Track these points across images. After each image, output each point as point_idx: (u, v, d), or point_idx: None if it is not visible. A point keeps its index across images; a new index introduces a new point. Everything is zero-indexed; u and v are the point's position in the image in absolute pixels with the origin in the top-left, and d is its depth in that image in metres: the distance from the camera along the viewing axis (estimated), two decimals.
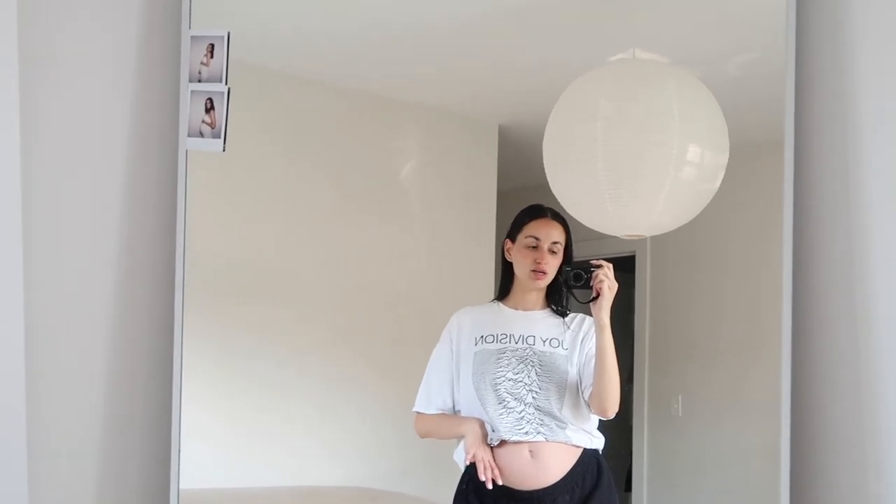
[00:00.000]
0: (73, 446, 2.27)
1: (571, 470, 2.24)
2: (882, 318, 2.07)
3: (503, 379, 2.26)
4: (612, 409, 2.25)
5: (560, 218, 2.32)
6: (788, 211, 2.13)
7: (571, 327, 2.31)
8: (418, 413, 2.35)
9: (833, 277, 2.13)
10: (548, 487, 2.22)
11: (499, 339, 2.29)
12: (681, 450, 2.65)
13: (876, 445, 2.07)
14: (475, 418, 2.27)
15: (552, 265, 2.30)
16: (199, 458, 2.34)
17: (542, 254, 2.30)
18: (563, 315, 2.32)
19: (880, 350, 2.07)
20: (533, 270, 2.30)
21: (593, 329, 2.26)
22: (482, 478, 2.22)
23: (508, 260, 2.36)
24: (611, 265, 2.23)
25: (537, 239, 2.31)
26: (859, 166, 2.10)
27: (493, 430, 2.25)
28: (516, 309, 2.33)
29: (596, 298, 2.22)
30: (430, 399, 2.34)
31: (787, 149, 2.13)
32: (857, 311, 2.10)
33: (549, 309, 2.33)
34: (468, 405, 2.29)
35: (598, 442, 2.29)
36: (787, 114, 2.13)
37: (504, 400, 2.25)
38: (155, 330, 2.32)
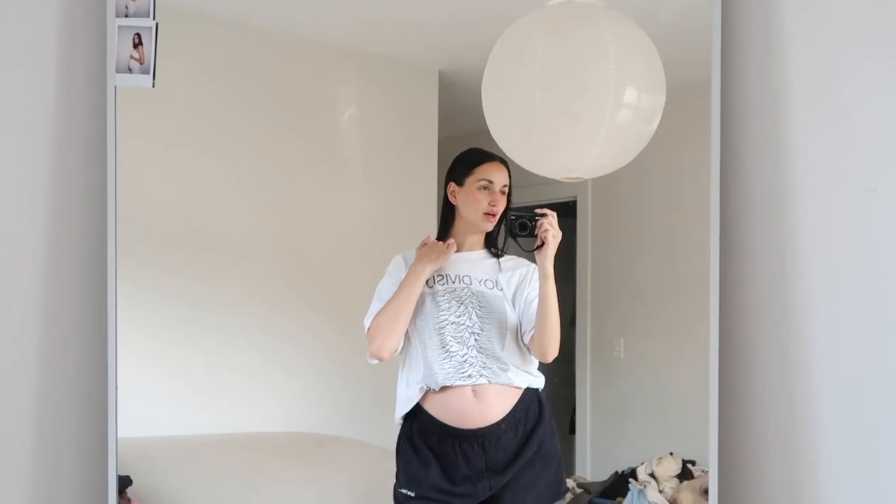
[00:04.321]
0: (7, 398, 2.24)
1: (514, 408, 2.27)
2: (807, 254, 2.12)
3: (446, 322, 2.28)
4: (553, 354, 2.29)
5: (505, 161, 2.34)
6: (716, 153, 2.17)
7: (506, 269, 2.33)
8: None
9: (760, 217, 2.18)
10: (491, 425, 2.25)
11: (436, 280, 2.31)
12: (623, 392, 2.68)
13: (801, 382, 2.12)
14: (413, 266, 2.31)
15: (502, 207, 2.33)
16: (142, 407, 2.33)
17: (496, 196, 2.33)
18: (499, 257, 2.35)
19: (806, 283, 2.12)
20: (486, 213, 2.32)
21: (533, 274, 2.30)
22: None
23: (452, 203, 2.37)
24: (555, 214, 2.26)
25: (490, 182, 2.33)
26: (786, 108, 2.15)
27: (433, 376, 2.27)
28: (456, 251, 2.35)
29: (541, 247, 2.25)
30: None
31: (714, 90, 2.17)
32: (785, 248, 2.15)
33: (485, 250, 2.36)
34: (409, 345, 2.31)
35: (538, 381, 2.32)
36: (713, 56, 2.17)
37: (447, 344, 2.27)
38: (89, 278, 2.29)
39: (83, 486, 2.29)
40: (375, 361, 2.29)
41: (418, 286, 2.28)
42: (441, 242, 2.33)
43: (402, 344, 2.30)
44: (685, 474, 2.49)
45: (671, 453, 2.51)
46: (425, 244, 2.33)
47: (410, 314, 2.29)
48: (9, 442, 2.24)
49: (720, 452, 2.16)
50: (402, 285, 2.28)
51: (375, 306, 2.31)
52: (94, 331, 2.28)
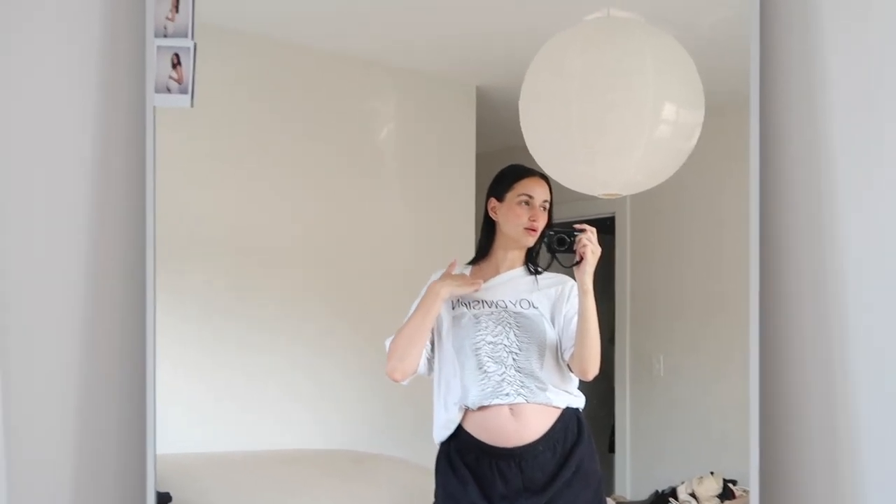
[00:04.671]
0: (48, 413, 2.26)
1: (552, 427, 2.25)
2: (849, 270, 2.09)
3: (483, 343, 2.26)
4: (593, 372, 2.25)
5: (546, 177, 2.33)
6: (755, 169, 2.15)
7: (543, 287, 2.31)
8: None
9: (800, 233, 2.15)
10: (529, 444, 2.23)
11: (471, 304, 2.30)
12: (663, 409, 2.66)
13: (844, 400, 2.09)
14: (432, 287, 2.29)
15: (543, 222, 2.31)
16: (179, 423, 2.35)
17: (536, 211, 2.31)
18: (538, 274, 2.33)
19: (848, 300, 2.09)
20: (527, 228, 2.31)
21: (571, 290, 2.28)
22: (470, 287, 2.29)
23: (493, 219, 2.35)
24: (594, 229, 2.24)
25: (531, 197, 2.31)
26: (825, 123, 2.12)
27: (471, 395, 2.25)
28: (496, 273, 2.33)
29: (579, 263, 2.22)
30: None
31: (753, 106, 2.15)
32: (826, 264, 2.12)
33: (524, 268, 2.34)
34: (445, 367, 2.30)
35: (578, 401, 2.29)
36: (752, 71, 2.15)
37: (483, 365, 2.25)
38: (128, 291, 2.32)
39: (122, 501, 2.31)
40: (403, 382, 2.29)
41: (434, 309, 2.27)
42: (468, 277, 2.32)
43: (418, 367, 2.29)
44: (726, 494, 2.47)
45: (712, 472, 2.49)
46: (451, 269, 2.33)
47: (426, 336, 2.28)
48: (49, 457, 2.26)
49: (762, 472, 2.13)
50: (419, 307, 2.28)
51: None
52: (133, 346, 2.30)
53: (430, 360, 2.31)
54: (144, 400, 2.26)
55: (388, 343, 2.29)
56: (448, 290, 2.28)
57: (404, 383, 2.30)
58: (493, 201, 2.35)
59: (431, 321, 2.27)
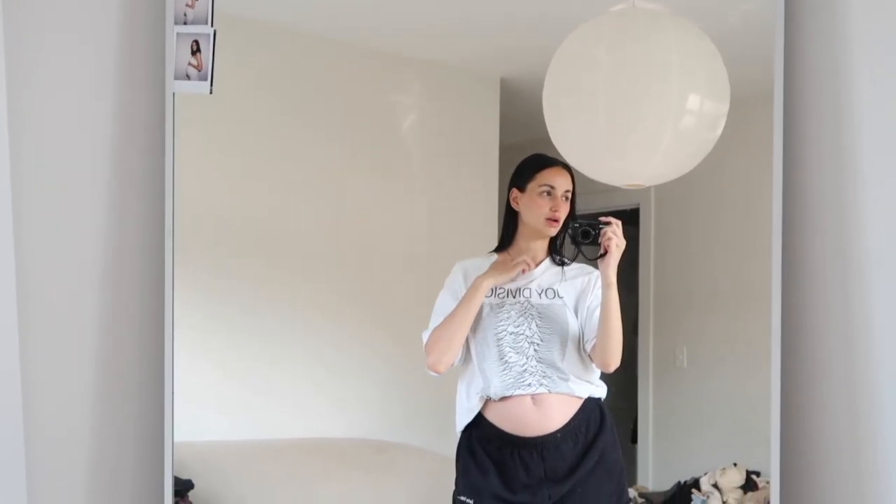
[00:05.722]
0: (67, 401, 2.28)
1: (574, 417, 2.25)
2: (872, 263, 2.08)
3: (504, 333, 2.27)
4: (615, 364, 2.26)
5: (568, 167, 2.32)
6: (778, 160, 2.15)
7: (568, 277, 2.31)
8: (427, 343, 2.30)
9: (824, 224, 2.15)
10: (551, 434, 2.23)
11: (496, 292, 2.30)
12: (686, 401, 2.66)
13: (866, 393, 2.09)
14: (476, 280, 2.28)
15: (565, 213, 2.30)
16: (202, 412, 2.37)
17: (558, 201, 2.29)
18: (563, 265, 2.32)
19: (872, 294, 2.08)
20: (548, 218, 2.30)
21: (595, 282, 2.27)
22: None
23: (515, 209, 2.35)
24: (619, 222, 2.23)
25: (552, 187, 2.30)
26: (850, 113, 2.11)
27: (492, 386, 2.26)
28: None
29: (604, 255, 2.22)
30: None
31: (777, 98, 2.14)
32: (850, 257, 2.12)
33: (549, 259, 2.34)
34: (468, 356, 2.29)
35: (600, 391, 2.29)
36: (776, 62, 2.14)
37: (505, 355, 2.26)
38: (147, 281, 2.34)
39: (142, 488, 2.33)
40: (434, 374, 2.29)
41: (477, 301, 2.27)
42: (509, 263, 2.31)
43: (459, 358, 2.29)
44: (749, 485, 2.46)
45: (735, 464, 2.48)
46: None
47: (468, 328, 2.27)
48: (67, 445, 2.28)
49: (782, 464, 2.13)
50: (462, 300, 2.27)
51: (434, 321, 2.30)
52: (152, 336, 2.31)
53: (464, 352, 2.31)
54: (163, 389, 2.28)
55: (425, 336, 2.29)
56: (490, 283, 2.27)
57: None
58: (514, 191, 2.34)
59: (474, 314, 2.27)
